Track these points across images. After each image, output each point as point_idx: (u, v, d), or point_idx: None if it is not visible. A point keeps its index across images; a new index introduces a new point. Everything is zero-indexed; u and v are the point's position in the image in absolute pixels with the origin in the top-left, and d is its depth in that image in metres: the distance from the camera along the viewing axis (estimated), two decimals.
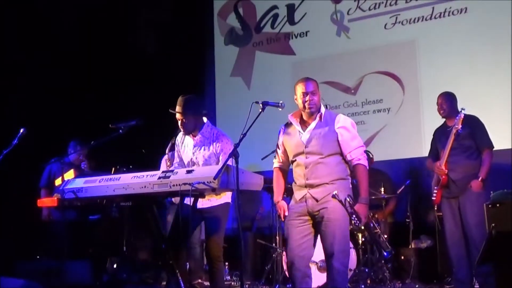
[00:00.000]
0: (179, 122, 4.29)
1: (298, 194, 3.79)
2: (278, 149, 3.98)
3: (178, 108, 4.26)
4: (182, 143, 4.43)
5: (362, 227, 3.66)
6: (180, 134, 4.46)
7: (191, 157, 4.32)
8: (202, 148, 4.27)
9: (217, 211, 4.23)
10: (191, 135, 4.34)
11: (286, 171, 4.02)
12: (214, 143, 4.25)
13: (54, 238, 5.59)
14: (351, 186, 3.79)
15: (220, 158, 4.17)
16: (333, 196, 3.62)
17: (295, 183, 3.82)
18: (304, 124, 3.82)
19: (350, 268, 5.38)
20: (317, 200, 3.68)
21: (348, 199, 3.62)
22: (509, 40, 6.01)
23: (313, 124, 3.77)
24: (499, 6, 6.15)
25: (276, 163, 4.01)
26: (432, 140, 5.39)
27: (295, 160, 3.81)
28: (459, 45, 6.39)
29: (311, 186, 3.71)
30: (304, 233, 3.73)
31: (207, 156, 4.25)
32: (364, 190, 3.70)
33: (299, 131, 3.80)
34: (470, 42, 6.33)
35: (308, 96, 3.74)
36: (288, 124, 3.91)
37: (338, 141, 3.72)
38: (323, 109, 3.82)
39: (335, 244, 3.63)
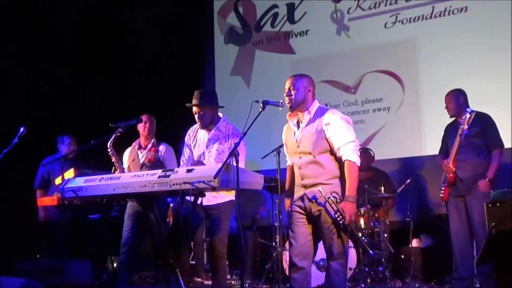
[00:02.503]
0: (196, 116, 4.32)
1: (296, 193, 3.79)
2: (284, 149, 3.97)
3: (194, 101, 4.31)
4: (195, 136, 4.44)
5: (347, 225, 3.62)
6: (193, 128, 4.49)
7: (203, 150, 4.34)
8: (217, 142, 4.31)
9: (223, 208, 4.24)
10: (206, 129, 4.37)
11: None
12: (229, 139, 4.29)
13: (54, 237, 5.58)
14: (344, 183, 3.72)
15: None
16: (314, 198, 3.60)
17: (295, 182, 3.82)
18: (299, 122, 3.79)
19: (350, 267, 5.38)
20: (311, 201, 3.66)
21: (331, 198, 3.58)
22: (509, 39, 6.01)
23: (304, 123, 3.74)
24: (499, 5, 6.14)
25: (288, 161, 3.98)
26: (443, 136, 5.34)
27: (293, 160, 3.82)
28: (459, 44, 6.39)
29: (305, 186, 3.70)
30: (306, 233, 3.72)
31: (221, 150, 4.27)
32: (351, 187, 3.58)
33: (294, 131, 3.79)
34: (470, 41, 6.33)
35: (287, 91, 3.73)
36: (289, 124, 3.88)
37: (326, 138, 3.66)
38: (315, 106, 3.76)
39: (333, 245, 3.62)
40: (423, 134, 6.41)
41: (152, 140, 5.25)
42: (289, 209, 3.83)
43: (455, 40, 6.42)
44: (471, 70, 6.25)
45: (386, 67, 6.80)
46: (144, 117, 5.27)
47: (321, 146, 3.66)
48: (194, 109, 4.33)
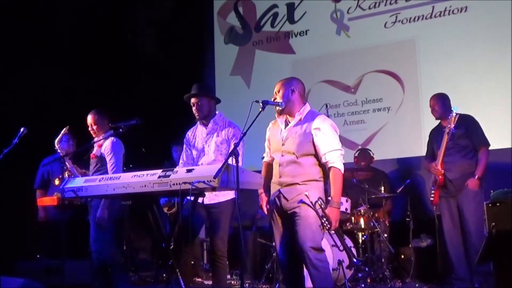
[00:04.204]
0: (194, 108, 4.36)
1: (272, 191, 3.83)
2: (266, 144, 4.02)
3: (192, 92, 4.37)
4: (194, 135, 4.47)
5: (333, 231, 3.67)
6: (191, 129, 4.52)
7: (203, 145, 4.37)
8: (215, 134, 4.34)
9: (224, 207, 4.25)
10: (203, 124, 4.40)
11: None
12: (226, 129, 4.34)
13: (53, 237, 5.58)
14: (323, 188, 3.75)
15: (232, 144, 4.20)
16: (301, 202, 3.61)
17: (272, 179, 3.85)
18: (288, 122, 3.86)
19: None
20: (287, 200, 3.69)
21: (319, 202, 3.59)
22: (509, 39, 6.01)
23: (293, 123, 3.80)
24: (499, 5, 6.15)
25: (265, 158, 4.05)
26: (428, 141, 5.44)
27: (273, 157, 3.86)
28: (459, 44, 6.39)
29: (282, 184, 3.74)
30: (288, 233, 3.75)
31: (219, 142, 4.31)
32: (336, 194, 3.64)
33: (281, 129, 3.84)
34: (470, 41, 6.33)
35: (274, 96, 3.83)
36: (276, 121, 3.94)
37: (313, 142, 3.69)
38: (307, 109, 3.83)
39: (307, 241, 3.61)
40: (423, 134, 6.40)
41: (101, 137, 5.16)
42: (267, 207, 3.89)
43: (455, 40, 6.42)
44: (471, 70, 6.25)
45: (386, 67, 6.81)
46: (87, 119, 5.18)
47: (306, 148, 3.70)
48: (192, 100, 4.37)
